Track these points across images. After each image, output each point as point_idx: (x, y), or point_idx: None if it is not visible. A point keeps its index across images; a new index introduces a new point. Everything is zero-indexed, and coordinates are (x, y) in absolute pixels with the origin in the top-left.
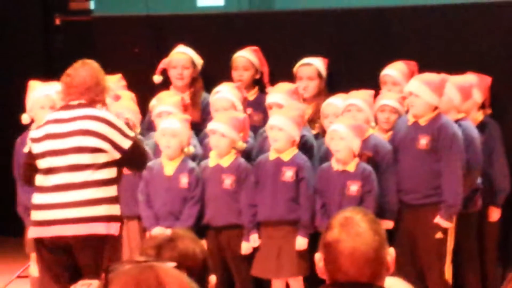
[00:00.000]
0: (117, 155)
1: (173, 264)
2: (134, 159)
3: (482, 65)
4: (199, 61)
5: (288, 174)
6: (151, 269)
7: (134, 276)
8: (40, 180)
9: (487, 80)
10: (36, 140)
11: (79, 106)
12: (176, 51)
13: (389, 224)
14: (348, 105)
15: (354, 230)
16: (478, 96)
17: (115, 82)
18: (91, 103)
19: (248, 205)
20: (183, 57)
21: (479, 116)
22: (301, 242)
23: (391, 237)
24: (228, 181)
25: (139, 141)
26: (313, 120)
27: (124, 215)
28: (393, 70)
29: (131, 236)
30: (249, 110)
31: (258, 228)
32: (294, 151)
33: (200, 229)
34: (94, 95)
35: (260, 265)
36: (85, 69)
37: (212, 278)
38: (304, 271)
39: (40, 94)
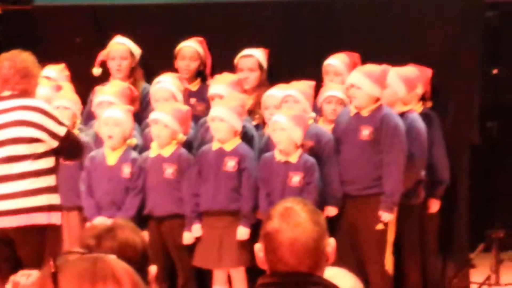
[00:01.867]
0: (54, 144)
1: (114, 256)
2: (70, 146)
3: (423, 57)
4: (137, 51)
5: (230, 164)
6: (103, 260)
7: (88, 267)
8: None
9: (428, 72)
10: None
11: (11, 97)
12: (114, 42)
13: (333, 210)
14: (285, 96)
15: (294, 220)
16: (419, 88)
17: (58, 71)
18: (23, 93)
19: (190, 195)
20: (121, 47)
21: (419, 108)
22: (243, 232)
23: (332, 227)
24: (169, 171)
25: (72, 131)
26: (254, 111)
27: (64, 206)
28: (336, 60)
29: (71, 227)
30: (193, 100)
31: (200, 218)
32: (237, 141)
33: (142, 219)
34: (21, 88)
35: (202, 255)
36: (8, 61)
37: (153, 268)
38: (246, 261)
39: None
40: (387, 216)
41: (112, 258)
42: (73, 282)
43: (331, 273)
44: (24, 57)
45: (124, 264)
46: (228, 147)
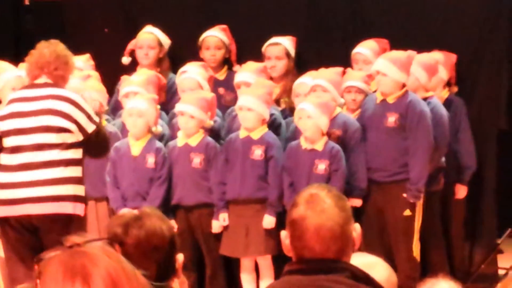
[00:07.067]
0: (80, 137)
1: (107, 250)
2: (95, 144)
3: (450, 43)
4: (166, 41)
5: (257, 153)
6: (81, 255)
7: (63, 262)
8: (5, 159)
9: (452, 57)
10: (1, 119)
11: (45, 85)
12: (143, 31)
13: (357, 202)
14: (313, 85)
15: (320, 206)
16: (443, 74)
17: (83, 62)
18: (57, 82)
19: (217, 183)
20: (149, 36)
21: (445, 93)
22: (269, 221)
23: (360, 214)
24: (197, 160)
25: (103, 128)
26: (281, 99)
27: (93, 197)
28: (364, 48)
29: (100, 217)
30: (221, 90)
31: (227, 207)
32: (264, 129)
33: (170, 209)
34: (59, 74)
35: (229, 244)
36: (48, 48)
37: (180, 257)
38: (272, 249)
39: (12, 75)
40: (413, 200)
41: (97, 251)
42: (55, 278)
43: (368, 261)
44: (63, 46)
45: (112, 258)
46: (255, 135)
